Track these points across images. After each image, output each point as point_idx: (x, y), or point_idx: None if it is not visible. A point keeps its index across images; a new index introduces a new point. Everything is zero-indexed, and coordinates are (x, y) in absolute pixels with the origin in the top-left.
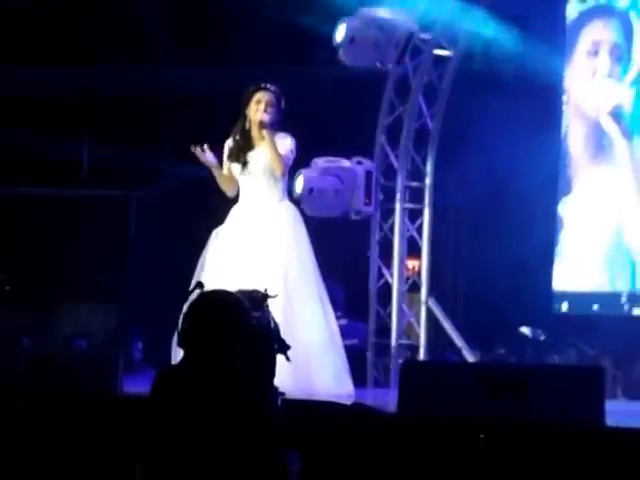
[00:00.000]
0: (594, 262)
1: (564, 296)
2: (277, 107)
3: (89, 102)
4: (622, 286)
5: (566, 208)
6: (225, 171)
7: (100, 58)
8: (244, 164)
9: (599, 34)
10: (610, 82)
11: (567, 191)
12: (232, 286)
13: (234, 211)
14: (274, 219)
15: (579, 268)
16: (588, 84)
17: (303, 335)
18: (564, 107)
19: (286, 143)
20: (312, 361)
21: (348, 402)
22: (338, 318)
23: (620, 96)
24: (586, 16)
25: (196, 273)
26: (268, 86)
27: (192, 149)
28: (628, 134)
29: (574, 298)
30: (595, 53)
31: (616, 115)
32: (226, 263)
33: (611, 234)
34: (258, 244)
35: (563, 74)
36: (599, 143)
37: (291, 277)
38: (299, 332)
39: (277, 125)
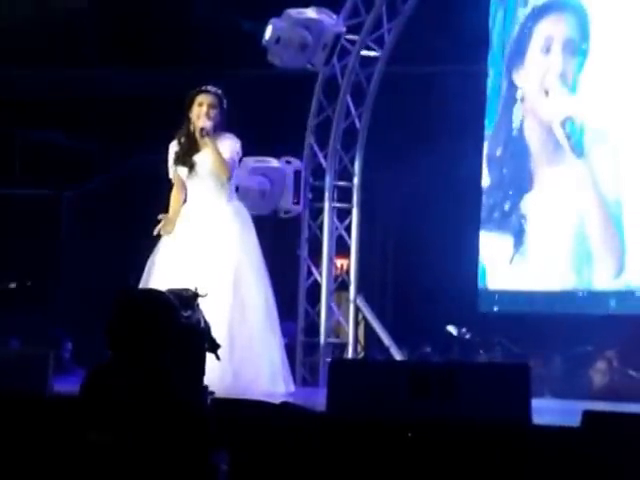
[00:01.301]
0: (548, 260)
1: (493, 295)
2: (220, 109)
3: (21, 101)
4: (562, 284)
5: (528, 205)
6: (171, 175)
7: (33, 58)
8: (191, 167)
9: (551, 29)
10: (561, 92)
11: (529, 188)
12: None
13: (183, 212)
14: (222, 221)
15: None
16: (539, 87)
17: (248, 335)
18: (519, 104)
19: (231, 145)
20: (254, 361)
21: (277, 401)
22: None
23: (571, 108)
24: (539, 12)
25: (144, 274)
26: (209, 88)
27: (157, 232)
28: (578, 150)
29: (503, 296)
30: (547, 50)
31: (566, 128)
32: (175, 265)
33: (568, 234)
34: (207, 246)
35: (489, 72)
36: (555, 145)
37: (241, 279)
38: (245, 332)
39: (221, 126)
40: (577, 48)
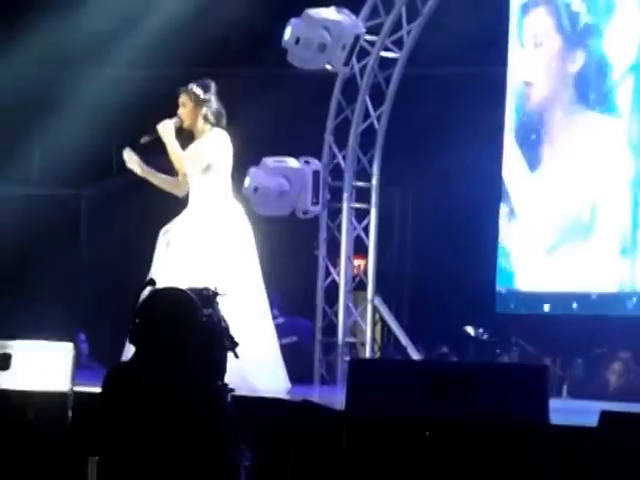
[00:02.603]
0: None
1: (510, 295)
2: (194, 104)
3: (40, 100)
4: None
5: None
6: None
7: (49, 59)
8: None
9: (540, 24)
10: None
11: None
12: (178, 284)
13: (184, 211)
14: (217, 218)
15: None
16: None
17: (246, 332)
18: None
19: (205, 142)
20: (253, 359)
21: (295, 398)
22: (274, 317)
23: None
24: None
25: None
26: (181, 88)
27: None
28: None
29: (520, 298)
30: (539, 44)
31: None
32: (170, 263)
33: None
34: (199, 243)
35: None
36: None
37: (235, 274)
38: (242, 329)
39: (205, 119)
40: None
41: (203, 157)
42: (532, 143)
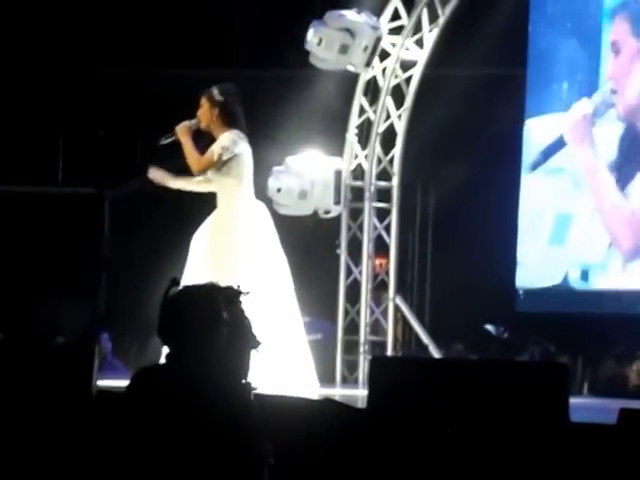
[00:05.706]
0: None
1: (530, 294)
2: (208, 105)
3: (64, 101)
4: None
5: None
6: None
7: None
8: None
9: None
10: None
11: None
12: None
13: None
14: (242, 219)
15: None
16: None
17: (275, 333)
18: None
19: (217, 142)
20: (282, 360)
21: (316, 396)
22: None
23: None
24: None
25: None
26: (202, 92)
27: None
28: None
29: (539, 295)
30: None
31: None
32: (198, 264)
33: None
34: (228, 246)
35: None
36: None
37: (264, 275)
38: (271, 330)
39: (220, 121)
40: None
41: (216, 157)
42: None
